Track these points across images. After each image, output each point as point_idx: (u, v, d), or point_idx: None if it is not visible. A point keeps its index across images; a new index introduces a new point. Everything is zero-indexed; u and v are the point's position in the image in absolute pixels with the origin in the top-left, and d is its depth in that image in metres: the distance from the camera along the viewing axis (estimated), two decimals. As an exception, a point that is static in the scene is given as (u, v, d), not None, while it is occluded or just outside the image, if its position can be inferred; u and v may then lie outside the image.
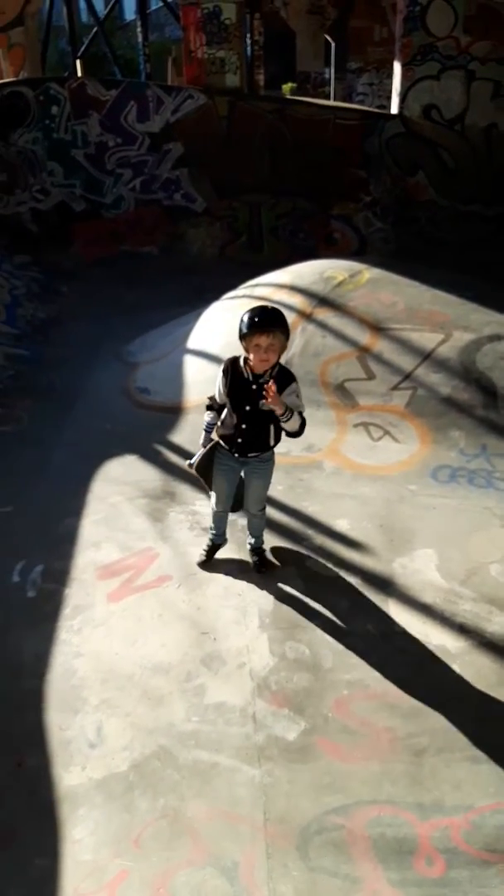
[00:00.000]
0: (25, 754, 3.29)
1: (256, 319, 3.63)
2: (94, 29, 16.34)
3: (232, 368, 3.85)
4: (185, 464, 4.42)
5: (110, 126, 11.04)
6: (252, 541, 4.43)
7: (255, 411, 3.84)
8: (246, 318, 3.66)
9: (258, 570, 4.36)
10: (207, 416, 4.07)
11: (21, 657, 3.82)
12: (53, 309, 9.12)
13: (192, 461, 4.20)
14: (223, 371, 3.88)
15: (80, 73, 12.58)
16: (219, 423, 4.01)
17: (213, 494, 4.30)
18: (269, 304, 3.93)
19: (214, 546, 4.48)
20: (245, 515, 4.44)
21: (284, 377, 3.82)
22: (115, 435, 6.09)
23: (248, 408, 3.85)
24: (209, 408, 4.05)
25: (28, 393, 6.96)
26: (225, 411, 3.95)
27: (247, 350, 3.72)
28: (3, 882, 2.81)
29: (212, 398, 4.03)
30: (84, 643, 3.90)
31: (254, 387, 3.78)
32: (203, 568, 4.41)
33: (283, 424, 3.86)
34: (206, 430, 4.10)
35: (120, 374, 7.24)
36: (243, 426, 3.90)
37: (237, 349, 3.83)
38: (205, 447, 4.12)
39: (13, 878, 2.82)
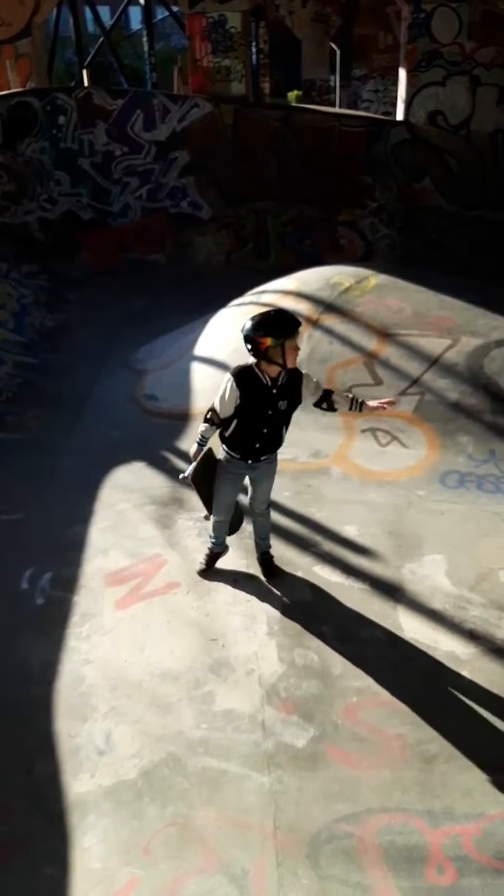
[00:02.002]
0: (35, 762, 3.30)
1: (293, 323, 3.71)
2: (101, 39, 16.43)
3: (247, 378, 3.80)
4: (178, 477, 4.33)
5: (117, 135, 11.09)
6: (261, 543, 4.40)
7: (276, 414, 3.88)
8: (283, 323, 3.69)
9: (267, 576, 4.35)
10: (204, 429, 3.96)
11: (30, 664, 3.82)
12: (61, 317, 9.16)
13: (187, 474, 4.09)
14: (235, 384, 3.79)
15: (86, 83, 12.67)
16: (226, 435, 3.95)
17: (217, 503, 4.21)
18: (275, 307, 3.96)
19: (215, 555, 4.45)
20: (250, 520, 4.42)
21: (295, 378, 3.88)
22: (123, 442, 6.10)
23: (270, 412, 3.86)
24: (209, 421, 3.93)
25: (36, 401, 6.98)
26: (233, 423, 3.89)
27: (283, 353, 3.70)
28: (14, 890, 2.81)
29: (213, 411, 3.90)
30: (92, 650, 3.90)
31: (274, 391, 3.81)
32: (203, 577, 4.39)
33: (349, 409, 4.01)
34: (199, 444, 4.00)
35: (127, 382, 7.25)
36: (265, 431, 3.90)
37: (244, 356, 3.83)
38: (195, 459, 4.04)
39: (23, 886, 2.82)
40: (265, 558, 4.40)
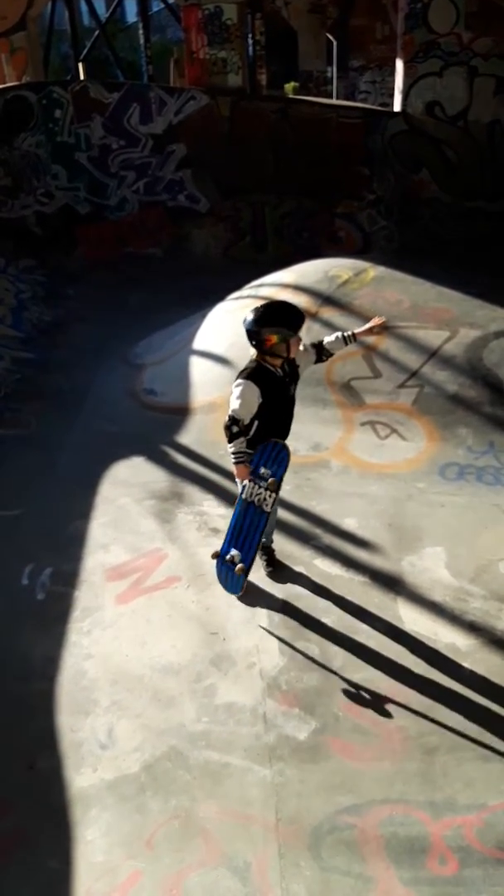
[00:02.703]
0: (37, 756, 3.30)
1: (299, 317, 3.77)
2: (96, 32, 16.37)
3: (262, 376, 3.80)
4: (268, 483, 3.91)
5: (113, 128, 11.04)
6: (264, 539, 4.37)
7: (290, 401, 3.98)
8: (291, 318, 3.75)
9: (268, 569, 4.35)
10: (238, 445, 3.78)
11: (31, 660, 3.83)
12: (59, 312, 9.14)
13: (270, 483, 3.85)
14: (252, 384, 3.73)
15: (82, 77, 12.61)
16: (249, 438, 3.84)
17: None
18: (271, 301, 4.00)
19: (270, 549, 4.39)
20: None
21: (293, 361, 3.94)
22: (123, 437, 6.09)
23: (287, 401, 3.96)
24: (238, 434, 3.76)
25: (35, 396, 6.97)
26: (255, 424, 3.84)
27: (288, 347, 3.77)
28: (17, 883, 2.82)
29: (236, 422, 3.75)
30: (94, 645, 3.91)
31: (287, 379, 3.90)
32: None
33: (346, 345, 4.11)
34: (240, 462, 3.82)
35: (126, 376, 7.24)
36: (287, 420, 4.01)
37: (243, 349, 3.83)
38: (244, 478, 3.89)
39: (26, 879, 2.83)
40: (267, 551, 4.40)
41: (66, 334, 8.53)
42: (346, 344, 4.09)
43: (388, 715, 3.44)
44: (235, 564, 3.96)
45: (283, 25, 20.12)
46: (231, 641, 3.89)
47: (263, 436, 3.90)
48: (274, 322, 3.72)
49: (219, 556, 4.06)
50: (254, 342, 3.77)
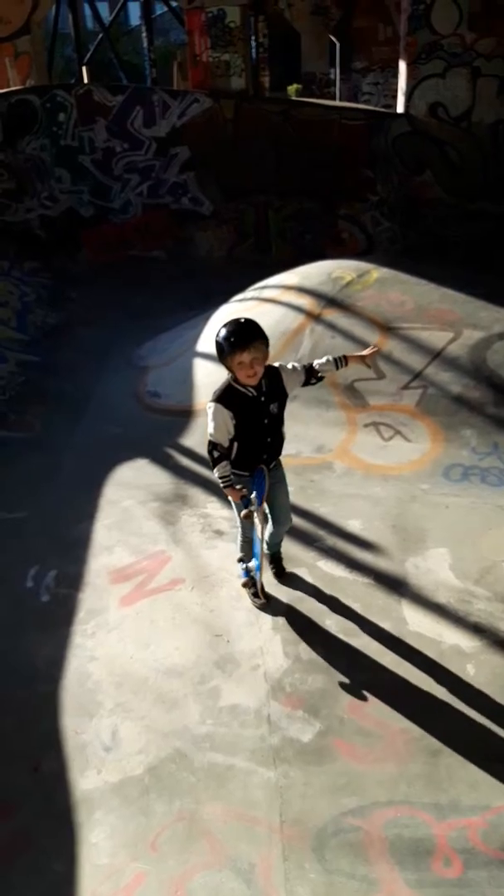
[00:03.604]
0: (41, 759, 3.31)
1: (233, 339, 3.48)
2: (100, 35, 16.42)
3: (230, 396, 3.63)
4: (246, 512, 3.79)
5: (117, 131, 11.08)
6: (274, 546, 4.30)
7: (271, 420, 3.75)
8: (222, 339, 3.51)
9: (277, 576, 4.32)
10: (222, 468, 3.68)
11: (35, 662, 3.83)
12: (63, 315, 9.16)
13: (254, 507, 3.73)
14: (221, 406, 3.61)
15: (86, 80, 12.67)
16: (231, 459, 3.73)
17: (243, 526, 3.99)
18: (242, 318, 3.67)
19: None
20: (272, 529, 4.23)
21: (274, 376, 3.72)
22: (127, 439, 6.11)
23: (266, 420, 3.73)
24: (220, 458, 3.67)
25: (39, 399, 6.99)
26: (234, 445, 3.71)
27: (231, 370, 3.58)
28: (22, 886, 2.83)
29: (217, 446, 3.67)
30: (98, 647, 3.91)
31: (262, 398, 3.67)
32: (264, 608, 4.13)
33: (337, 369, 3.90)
34: (228, 485, 3.71)
35: (130, 379, 7.26)
36: (268, 440, 3.78)
37: None
38: (239, 497, 3.73)
39: (31, 882, 2.84)
40: (275, 558, 4.36)
41: (69, 337, 8.55)
42: (338, 367, 3.90)
43: (392, 717, 3.44)
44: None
45: (286, 28, 20.15)
46: (235, 643, 3.89)
47: (243, 458, 3.75)
48: (216, 339, 3.57)
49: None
50: None
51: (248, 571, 4.13)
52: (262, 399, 3.68)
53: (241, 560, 4.19)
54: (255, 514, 3.76)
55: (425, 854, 2.85)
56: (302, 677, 3.66)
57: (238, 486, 3.74)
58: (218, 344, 3.57)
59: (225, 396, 3.63)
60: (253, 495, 3.75)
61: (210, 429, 3.67)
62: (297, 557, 4.51)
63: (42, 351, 8.08)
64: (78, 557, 4.63)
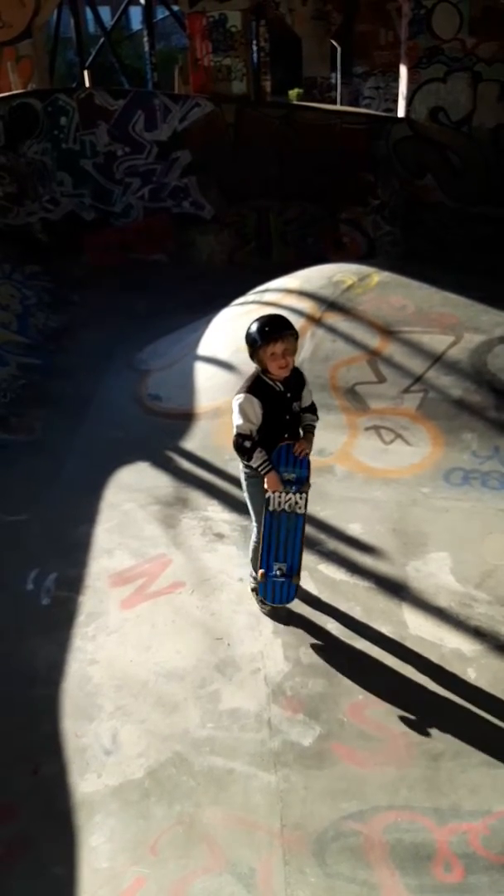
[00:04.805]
0: (41, 762, 3.30)
1: (267, 329, 3.58)
2: (101, 39, 16.46)
3: (260, 388, 3.68)
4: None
5: (118, 135, 11.10)
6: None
7: (293, 417, 3.82)
8: (255, 330, 3.59)
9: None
10: (261, 455, 3.68)
11: (36, 665, 3.83)
12: (64, 318, 9.17)
13: (297, 501, 3.77)
14: (251, 396, 3.64)
15: (87, 84, 12.68)
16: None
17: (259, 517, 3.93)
18: (273, 313, 3.78)
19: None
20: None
21: (300, 379, 3.83)
22: (127, 442, 6.11)
23: (287, 417, 3.78)
24: (255, 446, 3.66)
25: (40, 402, 6.99)
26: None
27: (262, 362, 3.63)
28: (21, 889, 2.82)
29: (248, 437, 3.67)
30: (98, 650, 3.91)
31: (288, 394, 3.74)
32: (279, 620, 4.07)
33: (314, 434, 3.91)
34: (269, 469, 3.69)
35: (131, 382, 7.26)
36: (286, 435, 3.80)
37: (247, 354, 3.81)
38: (278, 483, 3.72)
39: (30, 886, 2.83)
40: None
41: (71, 340, 8.56)
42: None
43: (392, 721, 3.43)
44: (288, 576, 3.88)
45: (288, 32, 20.19)
46: (236, 647, 3.88)
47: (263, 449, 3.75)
48: (248, 332, 3.63)
49: (265, 576, 3.89)
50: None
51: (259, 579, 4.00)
52: (288, 395, 3.75)
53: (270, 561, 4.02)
54: (299, 494, 3.77)
55: (426, 859, 2.84)
56: (302, 681, 3.65)
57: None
58: (250, 336, 3.62)
59: (254, 387, 3.69)
60: (286, 475, 3.74)
61: (238, 420, 3.68)
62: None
63: (43, 354, 8.09)
64: (78, 560, 4.63)
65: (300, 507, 3.85)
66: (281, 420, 3.77)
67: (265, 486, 3.75)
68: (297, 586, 3.95)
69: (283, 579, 3.89)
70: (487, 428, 5.67)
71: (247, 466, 3.84)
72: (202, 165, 11.10)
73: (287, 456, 3.78)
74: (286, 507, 3.82)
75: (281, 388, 3.72)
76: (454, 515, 4.93)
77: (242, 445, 3.70)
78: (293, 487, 3.79)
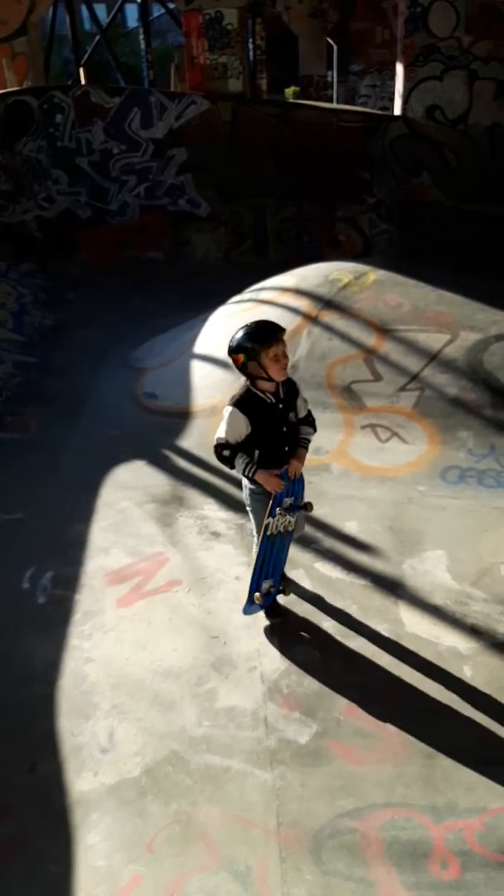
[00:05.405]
0: (38, 760, 3.30)
1: (264, 332, 3.52)
2: (97, 37, 16.42)
3: (249, 402, 3.57)
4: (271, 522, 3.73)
5: (114, 133, 11.08)
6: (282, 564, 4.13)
7: (290, 428, 3.71)
8: (249, 337, 3.50)
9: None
10: (243, 459, 3.58)
11: (32, 663, 3.83)
12: (60, 316, 9.16)
13: (280, 517, 3.71)
14: (238, 412, 3.54)
15: (83, 81, 12.67)
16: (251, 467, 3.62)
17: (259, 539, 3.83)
18: (256, 320, 3.68)
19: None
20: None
21: (292, 388, 3.74)
22: (124, 440, 6.10)
23: (285, 428, 3.68)
24: (234, 452, 3.57)
25: (36, 400, 6.99)
26: (255, 454, 3.62)
27: (263, 367, 3.51)
28: (17, 888, 2.81)
29: (227, 446, 3.57)
30: (94, 649, 3.91)
31: (280, 406, 3.63)
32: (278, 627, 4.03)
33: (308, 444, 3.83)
34: (255, 470, 3.59)
35: (127, 380, 7.25)
36: (286, 448, 3.71)
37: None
38: (275, 487, 3.63)
39: (27, 884, 2.82)
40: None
41: (67, 338, 8.55)
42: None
43: (389, 718, 3.43)
44: (273, 594, 3.95)
45: (284, 30, 20.19)
46: (232, 645, 3.88)
47: (266, 466, 3.64)
48: (239, 339, 3.54)
49: (261, 598, 3.87)
50: (235, 366, 3.62)
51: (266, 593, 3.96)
52: (281, 406, 3.65)
53: (259, 578, 3.93)
54: (293, 516, 3.78)
55: (422, 856, 2.85)
56: (299, 679, 3.65)
57: (276, 473, 3.65)
58: (242, 345, 3.51)
59: (243, 402, 3.57)
60: (287, 501, 3.73)
61: (222, 431, 3.58)
62: (295, 559, 4.50)
63: (39, 352, 8.07)
64: (75, 559, 4.62)
65: (291, 526, 3.86)
66: (278, 432, 3.66)
67: (267, 488, 3.64)
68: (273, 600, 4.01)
69: (267, 598, 3.93)
70: (483, 426, 5.67)
71: (251, 481, 3.73)
72: (198, 163, 11.09)
73: (287, 482, 3.71)
74: (281, 529, 3.80)
75: (272, 401, 3.62)
76: (450, 513, 4.94)
77: (222, 455, 3.61)
78: (291, 511, 3.78)
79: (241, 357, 3.54)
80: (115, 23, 20.38)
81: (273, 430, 3.65)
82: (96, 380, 7.39)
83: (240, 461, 3.59)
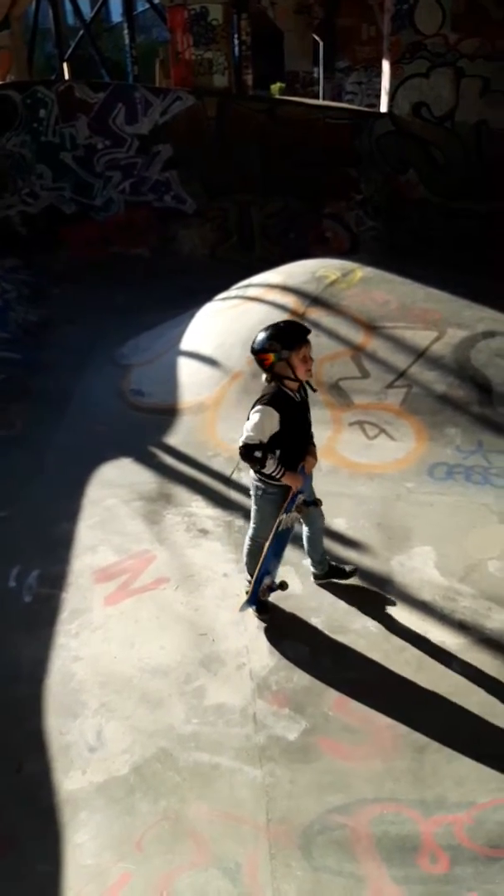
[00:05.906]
0: (25, 759, 3.28)
1: (296, 333, 3.57)
2: (81, 31, 16.29)
3: (281, 401, 3.59)
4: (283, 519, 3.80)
5: (99, 128, 11.00)
6: (317, 557, 4.21)
7: (309, 426, 3.83)
8: (281, 337, 3.53)
9: (340, 576, 4.26)
10: (274, 459, 3.58)
11: (19, 662, 3.80)
12: (45, 312, 9.09)
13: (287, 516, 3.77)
14: (273, 410, 3.54)
15: (67, 76, 12.57)
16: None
17: (272, 533, 3.84)
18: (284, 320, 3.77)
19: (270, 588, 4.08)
20: (307, 534, 4.15)
21: (305, 388, 3.81)
22: (110, 437, 6.06)
23: (306, 427, 3.80)
24: (264, 455, 3.54)
25: (21, 397, 6.93)
26: (277, 452, 3.62)
27: (291, 367, 3.56)
28: (6, 888, 2.79)
29: (258, 445, 3.54)
30: (82, 647, 3.88)
31: (303, 405, 3.75)
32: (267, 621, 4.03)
33: None
34: (283, 472, 3.61)
35: (113, 377, 7.21)
36: (311, 445, 3.83)
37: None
38: (295, 484, 3.69)
39: (15, 883, 2.81)
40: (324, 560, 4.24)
41: (52, 335, 8.49)
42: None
43: (377, 714, 3.44)
44: (272, 589, 4.01)
45: (270, 26, 20.15)
46: (220, 642, 3.87)
47: (290, 464, 3.66)
48: (271, 338, 3.55)
49: (266, 592, 3.96)
50: (260, 366, 3.64)
51: (269, 587, 4.00)
52: (303, 406, 3.75)
53: (264, 574, 3.95)
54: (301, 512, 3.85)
55: (412, 851, 2.85)
56: (287, 675, 3.65)
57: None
58: (275, 345, 3.53)
59: (276, 400, 3.60)
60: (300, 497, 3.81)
61: (252, 430, 3.54)
62: (284, 556, 4.49)
63: (23, 348, 8.01)
64: (61, 557, 4.59)
65: (297, 520, 3.95)
66: (305, 429, 3.79)
67: (293, 486, 3.69)
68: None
69: (269, 592, 3.99)
70: (471, 423, 5.69)
71: (262, 481, 3.72)
72: (184, 159, 11.04)
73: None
74: (290, 524, 3.89)
75: (299, 398, 3.72)
76: (438, 510, 4.95)
77: (252, 455, 3.57)
78: (300, 506, 3.86)
79: (271, 357, 3.57)
80: (99, 17, 20.25)
81: (299, 429, 3.74)
82: (82, 376, 7.35)
83: (271, 462, 3.61)
